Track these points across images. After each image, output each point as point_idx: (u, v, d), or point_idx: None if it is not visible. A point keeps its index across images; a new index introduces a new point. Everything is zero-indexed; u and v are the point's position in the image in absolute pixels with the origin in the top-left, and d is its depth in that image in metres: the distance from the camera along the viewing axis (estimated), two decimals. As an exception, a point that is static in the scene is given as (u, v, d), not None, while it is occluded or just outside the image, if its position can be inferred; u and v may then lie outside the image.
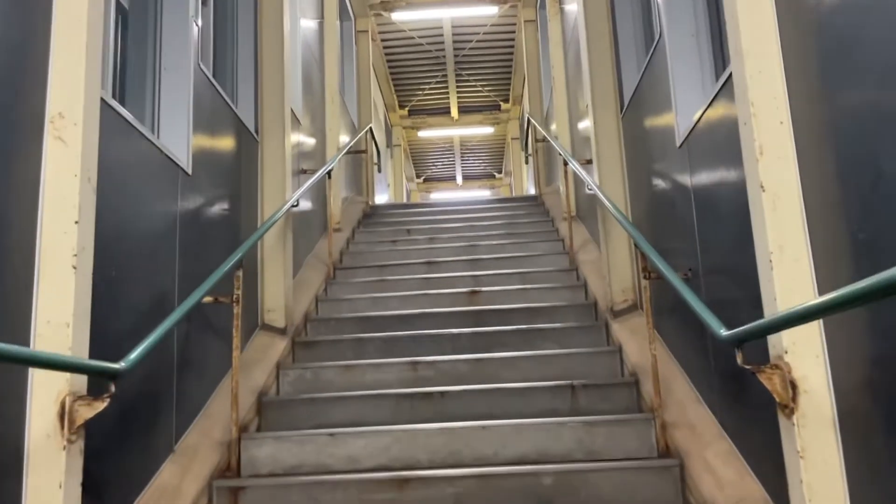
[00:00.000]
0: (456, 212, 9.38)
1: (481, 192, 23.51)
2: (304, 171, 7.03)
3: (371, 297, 6.23)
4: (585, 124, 7.28)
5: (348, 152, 8.82)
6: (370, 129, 10.09)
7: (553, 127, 9.72)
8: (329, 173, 7.07)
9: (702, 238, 3.76)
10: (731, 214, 3.26)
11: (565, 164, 7.00)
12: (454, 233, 8.19)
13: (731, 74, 3.14)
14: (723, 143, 3.32)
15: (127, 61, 4.13)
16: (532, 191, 14.30)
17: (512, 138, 17.52)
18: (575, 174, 7.19)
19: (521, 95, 15.92)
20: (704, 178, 3.65)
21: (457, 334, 5.32)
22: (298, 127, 6.95)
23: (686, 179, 3.97)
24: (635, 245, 4.16)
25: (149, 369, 3.44)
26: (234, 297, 4.08)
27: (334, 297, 6.45)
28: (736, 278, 3.26)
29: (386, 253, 7.50)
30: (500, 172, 21.99)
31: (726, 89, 3.25)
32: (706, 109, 3.55)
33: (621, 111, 5.55)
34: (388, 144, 17.20)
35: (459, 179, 22.15)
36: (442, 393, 4.45)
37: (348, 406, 4.44)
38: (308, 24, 8.07)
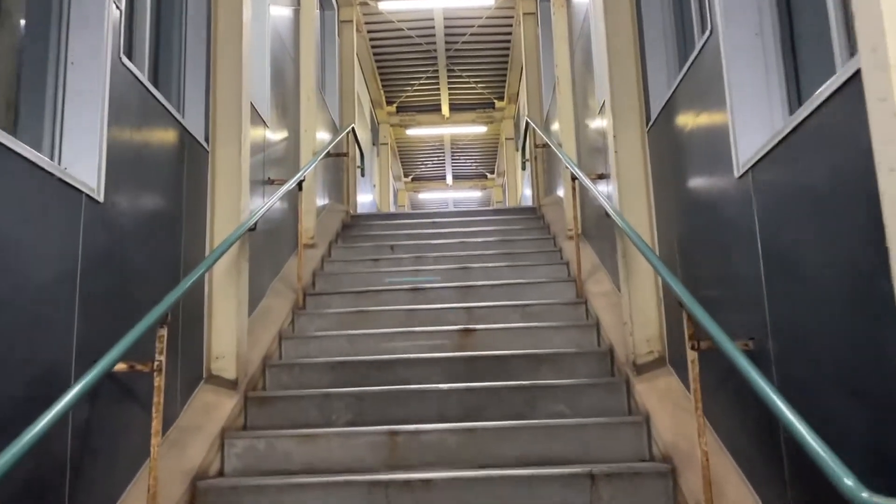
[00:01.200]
0: (446, 224, 8.43)
1: (472, 193, 22.57)
2: (272, 182, 6.07)
3: (345, 334, 5.28)
4: (595, 132, 6.36)
5: (327, 155, 7.86)
6: (352, 129, 9.12)
7: (554, 127, 8.79)
8: (300, 184, 6.10)
9: (774, 300, 2.84)
10: (835, 279, 2.34)
11: (573, 178, 6.07)
12: (444, 251, 7.24)
13: (842, 86, 2.22)
14: (825, 183, 2.39)
15: (19, 54, 3.15)
16: (528, 195, 13.38)
17: (506, 138, 16.55)
18: (580, 188, 6.24)
19: (517, 93, 14.98)
20: (784, 222, 2.72)
21: (446, 391, 4.38)
22: (265, 130, 5.98)
23: (748, 220, 3.04)
24: (674, 291, 3.24)
25: (23, 476, 2.49)
26: (156, 363, 3.12)
27: (302, 333, 5.50)
28: (839, 370, 2.34)
29: (366, 276, 6.54)
30: (492, 173, 21.03)
31: (831, 107, 2.32)
32: (790, 134, 2.62)
33: (647, 124, 4.62)
34: (374, 143, 16.21)
35: (449, 179, 21.17)
36: (425, 481, 3.51)
37: (306, 496, 3.50)
38: (281, 12, 7.09)
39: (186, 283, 3.36)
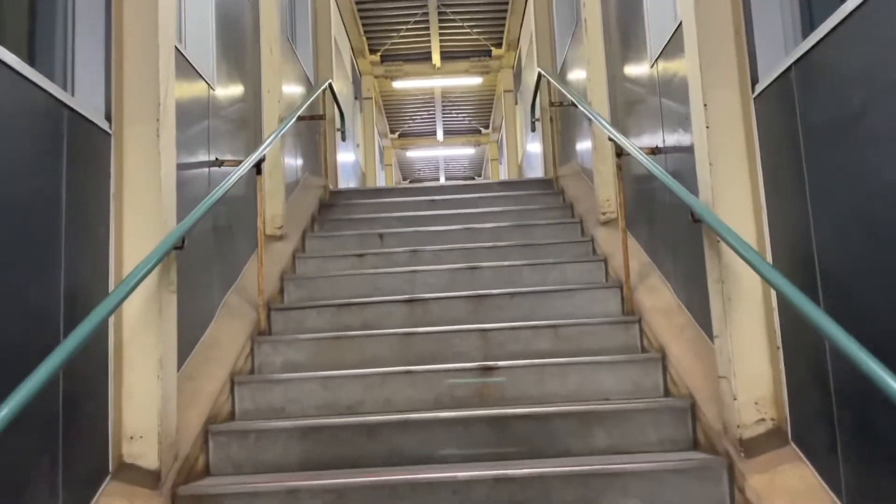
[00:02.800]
0: (445, 203, 6.97)
1: (465, 150, 20.96)
2: (222, 164, 4.60)
3: (321, 376, 3.90)
4: (640, 92, 4.91)
5: (299, 119, 6.36)
6: (329, 85, 7.57)
7: (572, 77, 7.33)
8: (258, 166, 4.63)
9: None
10: None
11: (619, 154, 4.63)
12: (445, 242, 5.82)
13: None
14: None
15: None
16: (531, 153, 11.92)
17: (504, 90, 14.92)
18: (617, 159, 4.73)
19: (518, 40, 13.36)
20: None
21: (465, 482, 3.03)
22: (209, 93, 4.48)
23: None
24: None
25: None
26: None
27: (263, 371, 4.12)
28: None
29: (348, 279, 5.12)
30: (486, 128, 19.41)
31: None
32: None
33: (753, 88, 3.17)
34: (357, 97, 14.58)
35: (440, 135, 19.52)
36: None
37: None
38: (232, -64, 5.49)
39: (45, 371, 1.92)
